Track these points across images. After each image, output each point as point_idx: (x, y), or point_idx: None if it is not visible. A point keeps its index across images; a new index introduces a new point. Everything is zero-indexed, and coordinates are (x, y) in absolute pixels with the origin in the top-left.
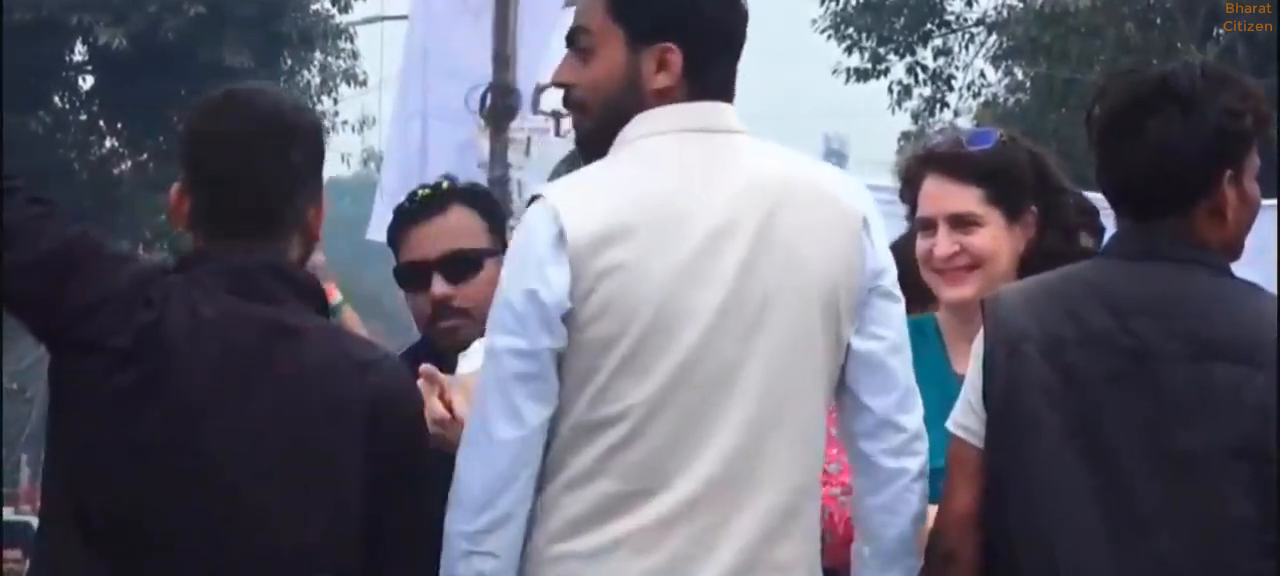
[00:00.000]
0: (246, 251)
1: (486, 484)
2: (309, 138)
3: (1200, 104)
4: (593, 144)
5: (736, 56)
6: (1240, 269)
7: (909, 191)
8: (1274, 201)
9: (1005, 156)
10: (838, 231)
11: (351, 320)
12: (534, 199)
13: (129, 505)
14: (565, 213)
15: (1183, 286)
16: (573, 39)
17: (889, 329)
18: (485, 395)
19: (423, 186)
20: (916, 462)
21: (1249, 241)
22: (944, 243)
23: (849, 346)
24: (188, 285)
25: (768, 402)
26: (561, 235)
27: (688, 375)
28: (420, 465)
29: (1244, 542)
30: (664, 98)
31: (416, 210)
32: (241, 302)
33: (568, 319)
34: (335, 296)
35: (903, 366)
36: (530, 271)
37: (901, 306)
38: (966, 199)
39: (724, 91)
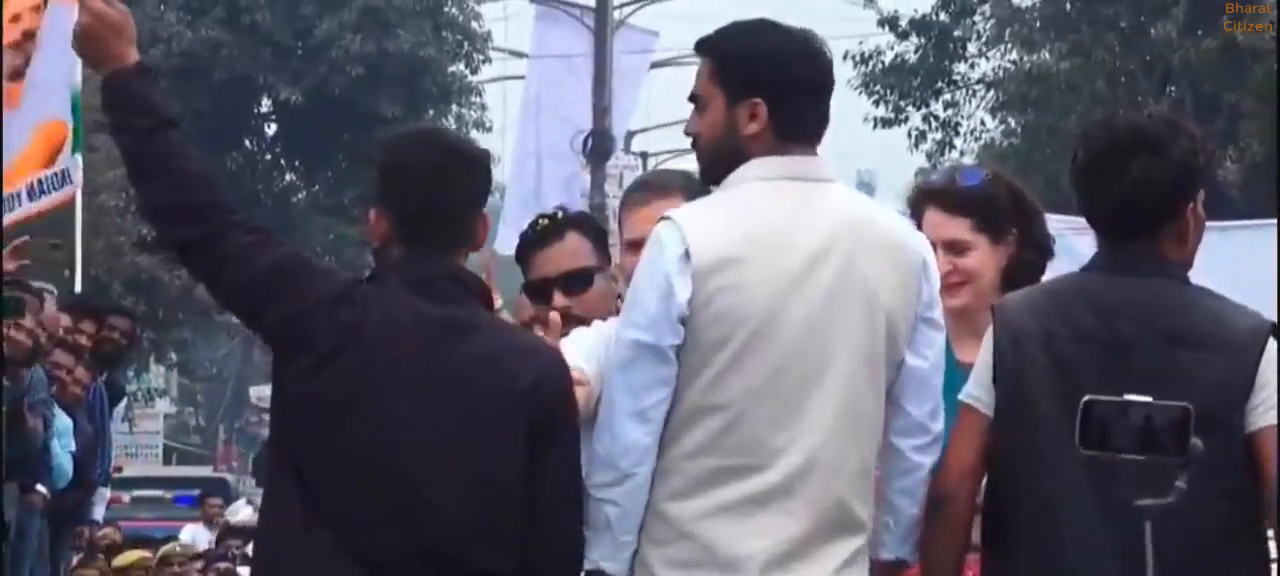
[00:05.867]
0: (431, 261)
1: (612, 449)
2: (484, 167)
3: (1167, 148)
4: (709, 175)
5: (823, 100)
6: (1240, 289)
7: (914, 216)
8: (1274, 222)
9: (989, 191)
10: (903, 269)
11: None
12: (663, 220)
13: (333, 477)
14: (691, 236)
15: (1153, 293)
16: (693, 99)
17: (933, 350)
18: (614, 377)
19: (542, 216)
20: (932, 459)
21: (1250, 257)
22: (941, 263)
23: (902, 362)
24: (381, 290)
25: (845, 402)
26: (687, 254)
27: (782, 374)
28: (571, 436)
29: (1202, 491)
30: (755, 141)
31: (540, 236)
32: (426, 304)
33: (686, 322)
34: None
35: (938, 381)
36: (660, 280)
37: (944, 333)
38: (958, 228)
39: (814, 132)
